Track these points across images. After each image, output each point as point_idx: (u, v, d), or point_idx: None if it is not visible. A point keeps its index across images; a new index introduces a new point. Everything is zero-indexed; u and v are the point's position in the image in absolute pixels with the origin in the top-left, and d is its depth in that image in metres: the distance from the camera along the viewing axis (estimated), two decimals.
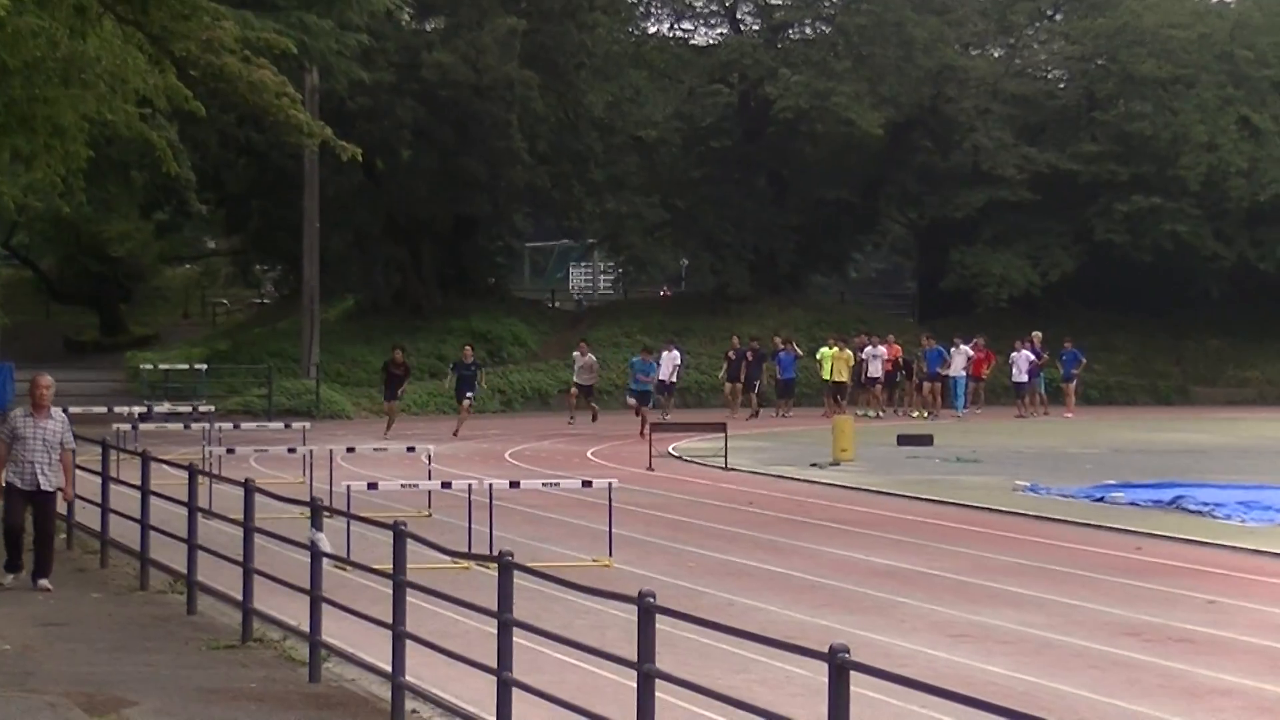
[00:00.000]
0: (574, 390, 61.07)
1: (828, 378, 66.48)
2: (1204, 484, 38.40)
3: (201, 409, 49.83)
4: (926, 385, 67.02)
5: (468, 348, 58.58)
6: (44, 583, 23.64)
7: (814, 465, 44.50)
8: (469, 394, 55.17)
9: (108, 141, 38.41)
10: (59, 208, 54.64)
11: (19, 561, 23.94)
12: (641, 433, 50.80)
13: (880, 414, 64.18)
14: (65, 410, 25.02)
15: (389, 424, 53.71)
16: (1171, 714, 16.83)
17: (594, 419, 58.08)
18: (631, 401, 56.96)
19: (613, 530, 27.91)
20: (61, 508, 25.09)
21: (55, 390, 24.61)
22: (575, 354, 62.09)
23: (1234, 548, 29.20)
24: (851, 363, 66.27)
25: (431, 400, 66.00)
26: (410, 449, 38.69)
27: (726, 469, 43.86)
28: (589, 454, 47.86)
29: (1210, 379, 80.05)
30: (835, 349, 66.17)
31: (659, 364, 63.36)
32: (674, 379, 64.91)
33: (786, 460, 46.04)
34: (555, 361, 72.06)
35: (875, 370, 67.06)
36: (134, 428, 42.03)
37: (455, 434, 52.24)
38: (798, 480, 41.79)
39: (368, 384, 66.62)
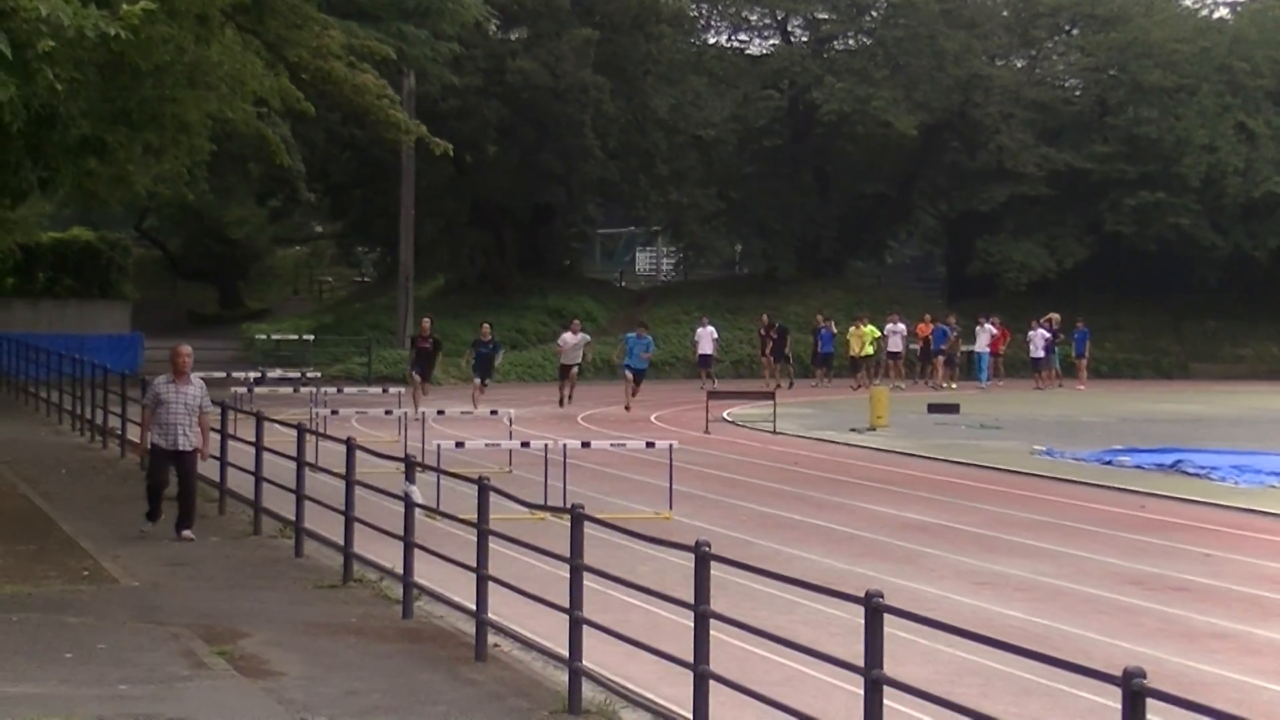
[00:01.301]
0: (574, 373, 51.87)
1: (854, 354, 66.56)
2: (1202, 449, 38.31)
3: (309, 375, 50.09)
4: (935, 360, 66.93)
5: (485, 325, 50.56)
6: (187, 533, 23.75)
7: (853, 430, 44.47)
8: (485, 379, 47.69)
9: (228, 137, 38.42)
10: (184, 195, 54.61)
11: (159, 513, 24.03)
12: (627, 406, 49.85)
13: (901, 385, 63.74)
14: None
15: (415, 401, 44.22)
16: (1171, 655, 16.77)
17: (564, 402, 50.45)
18: (628, 376, 52.05)
19: (673, 486, 27.96)
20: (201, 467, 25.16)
21: (192, 358, 24.76)
22: (566, 334, 52.75)
23: (1228, 506, 29.13)
24: (875, 337, 66.30)
25: (513, 370, 66.16)
26: (493, 412, 38.76)
27: (775, 433, 43.86)
28: (653, 418, 47.88)
29: (1208, 356, 79.70)
30: (859, 326, 66.21)
31: (698, 339, 64.05)
32: (714, 352, 65.08)
33: (828, 425, 46.01)
34: (620, 334, 71.98)
35: (895, 345, 67.06)
36: (249, 391, 42.23)
37: (474, 407, 43.62)
38: (838, 444, 41.76)
39: (455, 354, 66.78)
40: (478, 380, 47.20)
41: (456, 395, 49.26)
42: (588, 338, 53.82)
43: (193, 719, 13.66)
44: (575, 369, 51.44)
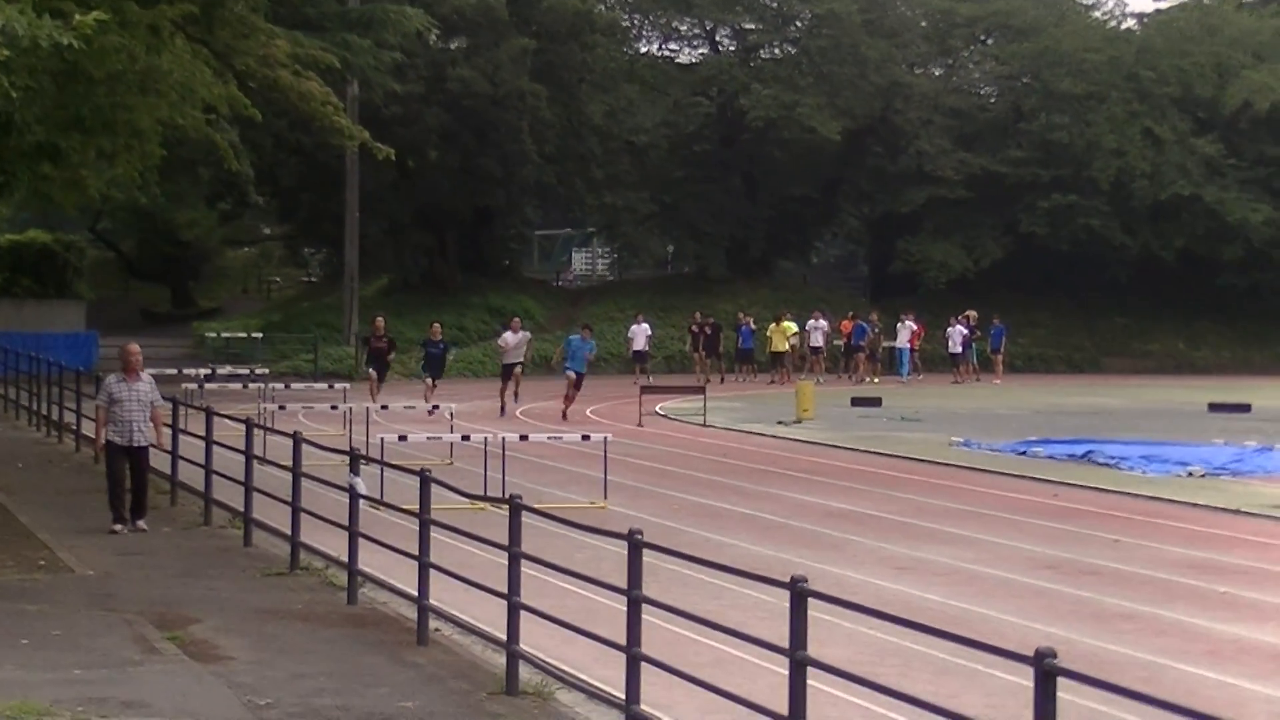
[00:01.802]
0: (518, 371, 48.11)
1: (772, 349, 66.82)
2: (1111, 440, 38.47)
3: (257, 371, 49.85)
4: (857, 356, 67.09)
5: (435, 325, 49.39)
6: (141, 523, 23.67)
7: (780, 423, 44.56)
8: (435, 377, 46.57)
9: (179, 142, 38.22)
10: (137, 198, 54.59)
11: (124, 516, 23.89)
12: (564, 413, 45.14)
13: (820, 379, 63.65)
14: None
15: (372, 395, 43.57)
16: (1082, 635, 16.85)
17: (505, 410, 46.62)
18: (570, 378, 46.40)
19: (607, 477, 28.00)
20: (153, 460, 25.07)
21: (141, 356, 24.69)
22: (507, 334, 48.55)
23: (1136, 495, 29.27)
24: (793, 332, 66.48)
25: (455, 366, 66.15)
26: (435, 408, 38.73)
27: (705, 426, 43.88)
28: (588, 412, 47.84)
29: (1118, 351, 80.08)
30: (779, 324, 66.43)
31: (632, 336, 64.31)
32: (647, 348, 65.30)
33: (756, 419, 46.05)
34: (560, 332, 72.33)
35: (817, 341, 67.26)
36: (200, 387, 42.12)
37: (431, 412, 39.99)
38: (766, 435, 41.82)
39: (400, 351, 66.83)
40: (429, 379, 46.19)
41: (403, 392, 49.15)
42: (529, 335, 50.97)
43: (145, 702, 13.62)
44: (519, 368, 47.91)
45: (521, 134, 71.63)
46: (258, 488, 22.87)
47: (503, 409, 46.09)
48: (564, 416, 44.46)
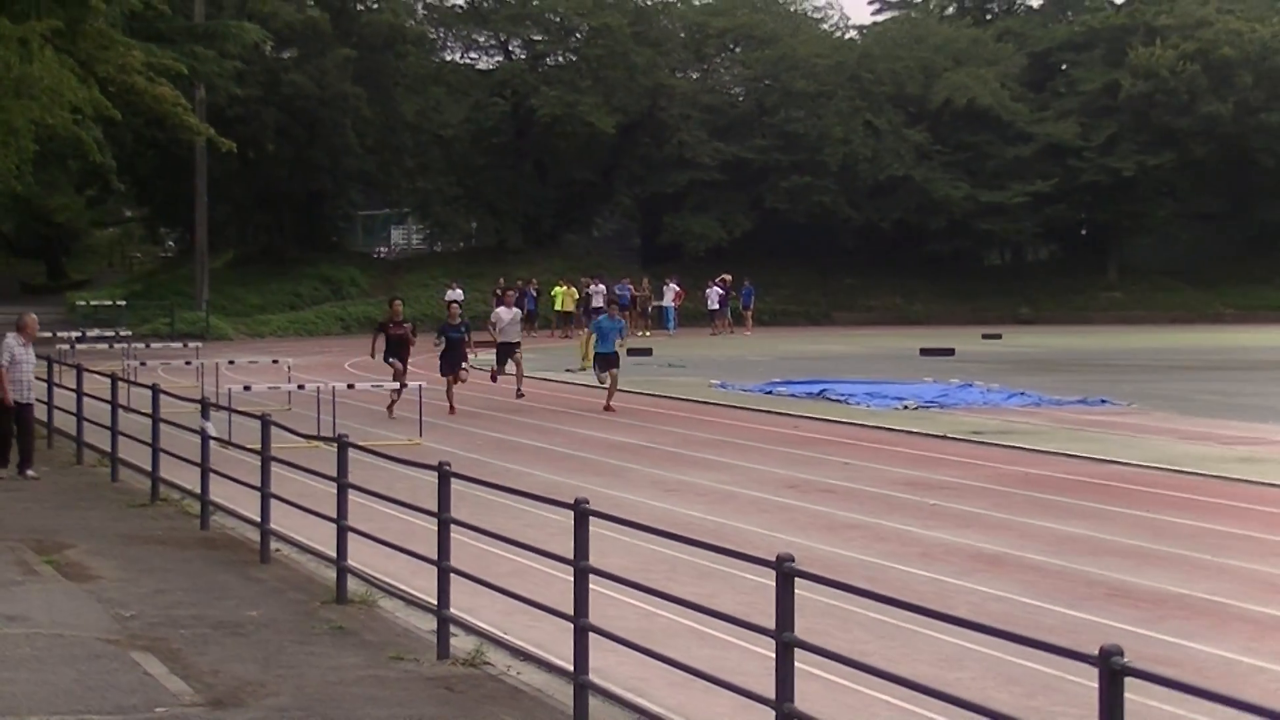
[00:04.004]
0: (519, 355, 35.76)
1: (557, 309, 67.04)
2: (841, 380, 38.87)
3: (122, 333, 49.01)
4: (622, 313, 67.37)
5: (454, 305, 36.90)
6: (31, 473, 23.00)
7: (568, 370, 44.59)
8: (463, 365, 32.92)
9: (49, 138, 37.49)
10: (15, 187, 53.23)
11: (8, 459, 23.24)
12: (608, 405, 33.37)
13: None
14: None
15: (399, 387, 31.12)
16: (818, 543, 17.00)
17: (520, 393, 35.47)
18: (608, 375, 33.34)
19: (422, 419, 27.88)
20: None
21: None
22: (500, 309, 37.96)
23: (862, 425, 29.60)
24: (575, 297, 66.67)
25: (291, 326, 66.02)
26: (274, 361, 38.30)
27: (504, 372, 43.68)
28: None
29: (847, 306, 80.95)
30: (563, 287, 66.67)
31: (446, 300, 63.96)
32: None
33: (548, 367, 46.02)
34: (380, 298, 72.47)
35: (598, 302, 67.29)
36: (72, 347, 41.35)
37: (451, 411, 32.08)
38: (555, 381, 41.83)
39: (244, 315, 66.65)
40: (462, 371, 32.98)
41: (276, 345, 48.40)
42: (519, 313, 38.08)
43: (26, 616, 13.35)
44: (519, 350, 35.74)
45: (345, 130, 72.06)
46: (123, 432, 22.55)
47: (493, 378, 36.04)
48: (609, 408, 33.04)
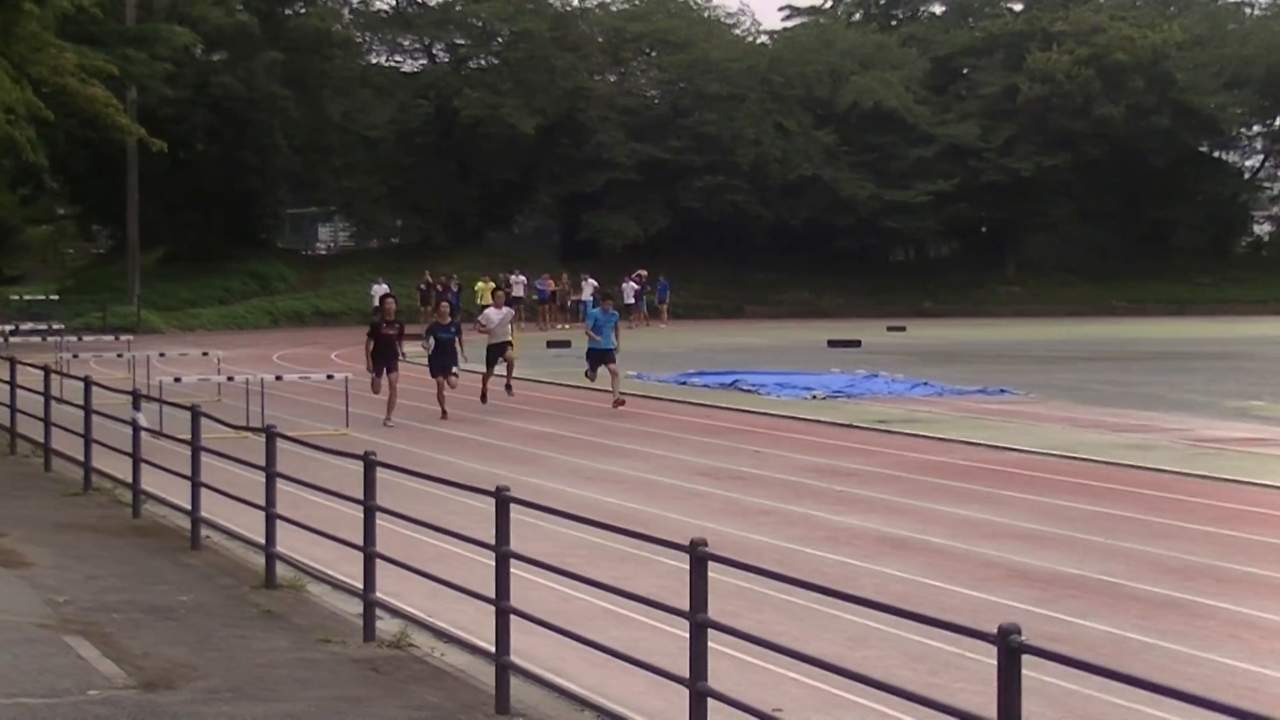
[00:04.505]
0: (511, 354, 32.51)
1: (480, 303, 67.19)
2: (753, 371, 39.00)
3: (55, 327, 48.61)
4: (541, 307, 67.65)
5: (444, 305, 34.65)
6: None
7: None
8: (454, 368, 29.49)
9: None
10: None
11: None
12: (619, 402, 30.74)
13: (522, 325, 63.33)
14: None
15: (390, 403, 28.78)
16: (730, 529, 17.02)
17: (492, 386, 32.23)
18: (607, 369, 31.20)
19: (349, 409, 27.73)
20: None
21: None
22: (490, 310, 33.13)
23: (772, 414, 29.67)
24: (490, 291, 66.91)
25: (221, 320, 65.78)
26: (205, 354, 38.03)
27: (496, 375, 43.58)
28: (333, 355, 47.34)
29: (758, 301, 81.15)
30: (483, 281, 66.93)
31: (373, 294, 64.07)
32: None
33: (470, 359, 45.71)
34: (308, 293, 72.84)
35: (518, 292, 67.65)
36: (5, 340, 41.02)
37: (444, 415, 29.21)
38: (476, 372, 41.60)
39: (175, 309, 66.35)
40: (452, 374, 29.64)
41: (205, 339, 47.99)
42: (512, 312, 33.95)
43: None
44: (511, 349, 32.12)
45: (274, 130, 72.12)
46: (56, 423, 22.28)
47: (484, 395, 31.58)
48: (620, 403, 30.58)
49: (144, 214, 66.33)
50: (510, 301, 66.36)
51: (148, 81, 55.39)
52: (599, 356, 31.09)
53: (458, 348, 29.83)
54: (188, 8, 64.35)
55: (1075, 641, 11.68)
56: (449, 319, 30.35)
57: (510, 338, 31.74)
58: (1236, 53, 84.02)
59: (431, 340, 29.69)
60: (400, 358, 29.37)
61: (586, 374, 31.69)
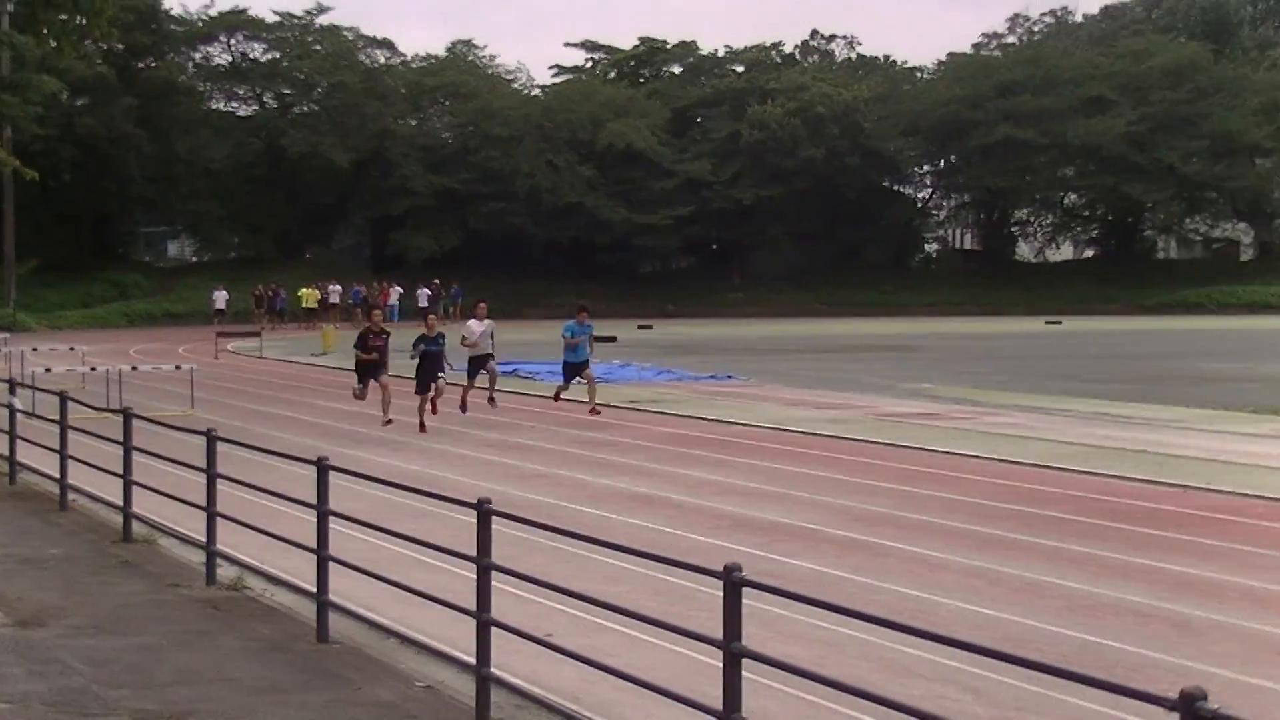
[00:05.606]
0: (493, 366, 27.55)
1: (304, 306, 66.87)
2: (529, 361, 39.00)
3: None
4: (355, 310, 66.94)
5: (431, 317, 28.03)
6: None
7: (312, 354, 43.85)
8: (440, 374, 24.90)
9: None
10: None
11: None
12: (594, 410, 26.20)
13: (338, 326, 62.43)
14: None
15: (385, 405, 24.68)
16: (510, 489, 16.92)
17: (470, 399, 27.10)
18: (582, 377, 27.03)
19: (194, 394, 27.12)
20: None
21: None
22: (472, 321, 27.43)
23: (545, 396, 29.67)
24: (318, 296, 66.95)
25: (84, 320, 64.43)
26: (71, 349, 36.92)
27: (261, 358, 42.88)
28: (180, 349, 46.22)
29: (535, 304, 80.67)
30: (307, 289, 66.70)
31: (214, 299, 63.44)
32: (224, 307, 65.27)
33: (295, 353, 45.22)
34: (160, 298, 71.75)
35: (334, 299, 67.54)
36: None
37: (422, 428, 23.94)
38: (302, 364, 41.07)
39: (46, 311, 64.71)
40: (440, 381, 24.99)
41: (77, 336, 46.47)
42: (494, 324, 27.73)
43: None
44: (493, 361, 27.32)
45: (130, 163, 71.75)
46: None
47: (463, 405, 26.36)
48: (595, 412, 25.92)
49: (19, 232, 64.61)
50: (328, 308, 66.14)
51: (21, 122, 53.84)
52: (575, 368, 26.90)
53: (445, 360, 25.14)
54: (55, 60, 62.30)
55: (786, 577, 11.87)
56: (436, 332, 25.41)
57: (492, 350, 26.98)
58: (911, 108, 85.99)
59: (418, 353, 24.98)
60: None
61: (559, 389, 27.47)
